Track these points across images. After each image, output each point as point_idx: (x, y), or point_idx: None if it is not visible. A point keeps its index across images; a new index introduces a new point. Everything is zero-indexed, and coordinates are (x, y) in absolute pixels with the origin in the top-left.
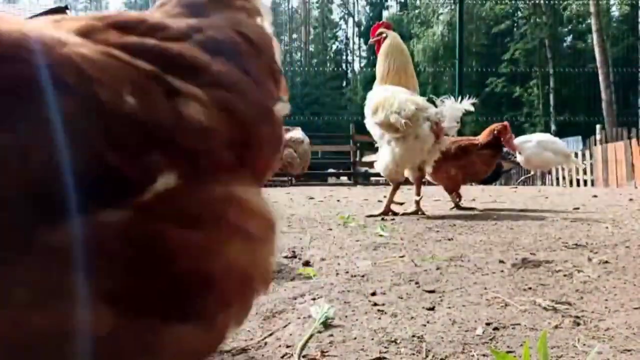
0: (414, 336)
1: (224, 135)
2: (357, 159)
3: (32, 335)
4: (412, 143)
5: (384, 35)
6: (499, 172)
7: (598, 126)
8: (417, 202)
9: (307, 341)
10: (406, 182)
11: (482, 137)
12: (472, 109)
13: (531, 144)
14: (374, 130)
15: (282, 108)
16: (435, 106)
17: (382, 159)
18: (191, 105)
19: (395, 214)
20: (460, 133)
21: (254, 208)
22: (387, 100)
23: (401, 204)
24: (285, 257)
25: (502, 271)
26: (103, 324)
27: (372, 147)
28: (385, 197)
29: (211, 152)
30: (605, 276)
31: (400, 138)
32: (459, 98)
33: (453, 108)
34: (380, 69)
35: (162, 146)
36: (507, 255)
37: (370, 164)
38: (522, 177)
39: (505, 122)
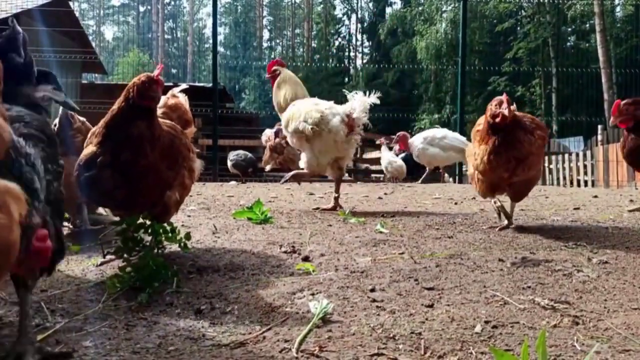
0: (412, 333)
1: None
2: (358, 155)
3: None
4: (326, 136)
5: (277, 72)
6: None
7: (600, 127)
8: (336, 199)
9: (305, 336)
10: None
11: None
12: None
13: (418, 141)
14: (292, 140)
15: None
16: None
17: (304, 158)
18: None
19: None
20: (462, 132)
21: None
22: (295, 113)
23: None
24: (285, 252)
25: (501, 270)
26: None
27: (373, 144)
28: (385, 194)
29: None
30: (604, 276)
31: (315, 135)
32: (368, 93)
33: (362, 101)
34: (277, 99)
35: None
36: (506, 254)
37: (371, 161)
38: (425, 175)
39: (401, 133)
